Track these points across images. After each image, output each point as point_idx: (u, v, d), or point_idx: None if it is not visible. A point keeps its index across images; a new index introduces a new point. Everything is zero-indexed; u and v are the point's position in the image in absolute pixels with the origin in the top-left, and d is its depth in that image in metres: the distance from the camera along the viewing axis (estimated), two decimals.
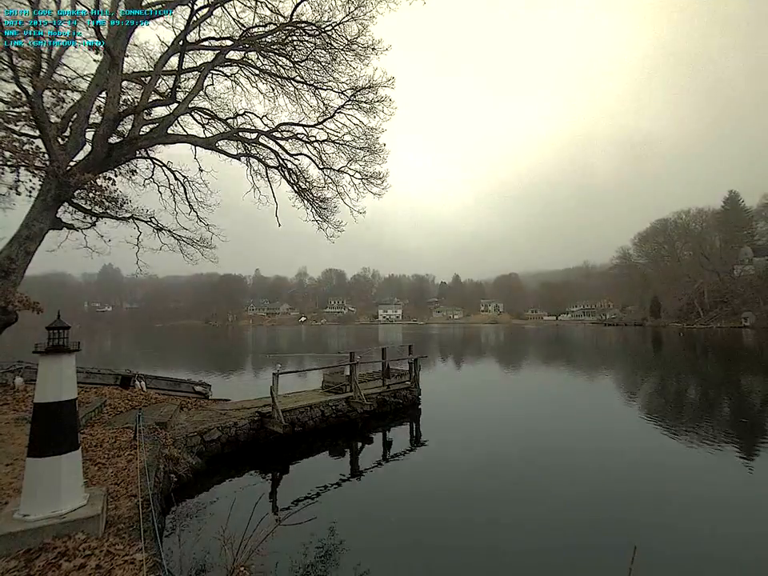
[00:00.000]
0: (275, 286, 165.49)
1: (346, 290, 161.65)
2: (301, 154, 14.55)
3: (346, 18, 11.99)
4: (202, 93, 12.78)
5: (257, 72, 13.51)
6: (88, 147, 9.59)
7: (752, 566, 5.33)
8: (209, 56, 12.55)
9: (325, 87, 13.73)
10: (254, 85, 13.96)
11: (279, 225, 15.40)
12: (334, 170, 14.88)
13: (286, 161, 14.38)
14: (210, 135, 13.10)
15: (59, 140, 9.08)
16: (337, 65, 13.10)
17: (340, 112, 14.05)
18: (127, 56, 10.77)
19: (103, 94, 9.72)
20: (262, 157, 14.33)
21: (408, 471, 8.98)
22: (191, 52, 12.23)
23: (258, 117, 14.25)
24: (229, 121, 13.86)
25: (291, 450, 10.03)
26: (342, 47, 12.64)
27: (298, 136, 14.25)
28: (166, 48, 11.11)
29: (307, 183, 14.83)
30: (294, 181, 14.61)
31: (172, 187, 13.86)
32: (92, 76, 9.66)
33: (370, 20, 12.09)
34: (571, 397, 17.25)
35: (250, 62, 13.12)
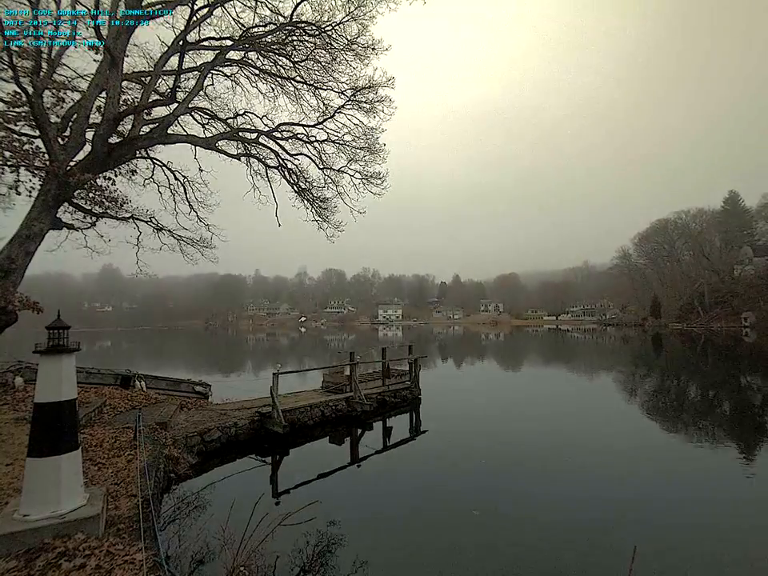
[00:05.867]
0: (275, 286, 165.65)
1: (346, 289, 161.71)
2: (301, 154, 14.54)
3: (346, 18, 11.99)
4: (202, 93, 12.77)
5: (257, 72, 13.50)
6: (88, 147, 9.58)
7: (752, 565, 5.32)
8: (209, 56, 12.54)
9: (325, 87, 13.73)
10: (253, 85, 13.96)
11: (279, 225, 15.39)
12: (334, 169, 14.88)
13: (286, 161, 14.37)
14: (210, 135, 13.08)
15: (59, 140, 9.06)
16: (337, 65, 13.10)
17: (340, 112, 14.05)
18: (127, 56, 10.74)
19: (103, 94, 9.71)
20: (262, 157, 14.32)
21: (408, 467, 8.99)
22: (191, 52, 12.22)
23: (258, 117, 14.25)
24: (229, 121, 13.85)
25: (291, 450, 10.04)
26: (342, 47, 12.63)
27: (298, 136, 14.24)
28: (166, 48, 11.09)
29: (307, 183, 14.82)
30: (294, 181, 14.61)
31: (172, 187, 13.86)
32: (92, 76, 9.64)
33: (370, 20, 12.09)
34: (571, 394, 17.25)
35: (250, 62, 13.12)
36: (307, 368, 22.48)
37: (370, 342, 49.59)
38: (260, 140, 13.59)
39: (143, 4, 9.90)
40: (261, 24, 12.28)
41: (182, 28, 10.51)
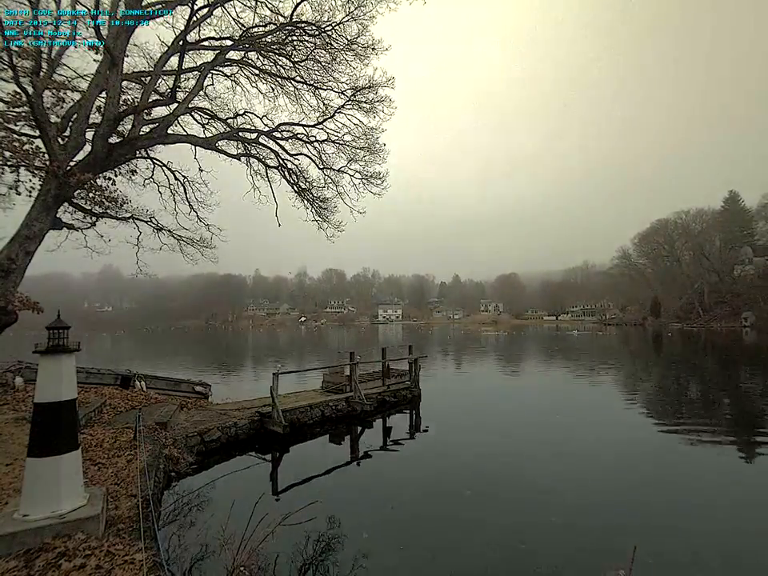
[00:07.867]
0: (275, 286, 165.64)
1: (346, 290, 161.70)
2: (301, 154, 14.53)
3: (346, 18, 11.98)
4: (201, 93, 12.76)
5: (257, 72, 13.49)
6: (88, 147, 9.57)
7: (753, 564, 5.32)
8: (209, 56, 12.54)
9: (325, 87, 13.72)
10: (253, 85, 13.96)
11: (279, 225, 15.39)
12: (334, 169, 14.87)
13: (285, 161, 14.37)
14: (210, 135, 13.07)
15: (59, 140, 9.06)
16: (337, 65, 13.10)
17: (340, 112, 14.04)
18: (127, 56, 10.74)
19: (103, 94, 9.71)
20: (262, 157, 14.32)
21: (408, 465, 8.97)
22: (191, 52, 12.21)
23: (258, 117, 14.24)
24: (229, 121, 13.84)
25: (291, 447, 10.05)
26: (342, 47, 12.63)
27: (298, 136, 14.23)
28: (166, 48, 11.09)
29: (307, 183, 14.82)
30: (294, 181, 14.60)
31: (172, 187, 13.85)
32: (92, 76, 9.64)
33: (370, 20, 12.08)
34: (570, 390, 17.23)
35: (250, 62, 13.11)
36: (307, 368, 22.47)
37: (370, 342, 49.59)
38: (260, 140, 13.59)
39: (143, 4, 9.90)
40: (261, 24, 12.27)
41: (182, 28, 10.50)
